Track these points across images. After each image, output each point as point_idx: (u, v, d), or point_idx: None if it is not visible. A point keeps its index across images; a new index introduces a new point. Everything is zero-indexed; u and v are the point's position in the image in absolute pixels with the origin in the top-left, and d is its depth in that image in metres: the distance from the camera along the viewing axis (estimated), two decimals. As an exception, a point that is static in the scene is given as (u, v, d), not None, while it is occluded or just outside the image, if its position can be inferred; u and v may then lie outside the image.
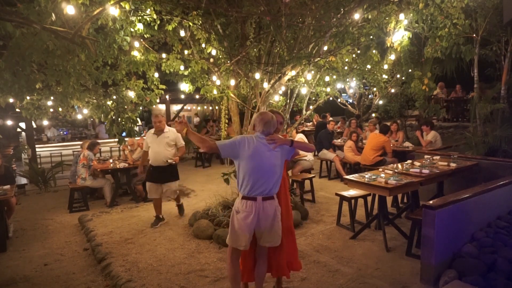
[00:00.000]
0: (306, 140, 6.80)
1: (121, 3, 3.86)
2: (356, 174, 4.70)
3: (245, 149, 2.75)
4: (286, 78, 5.18)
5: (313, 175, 6.37)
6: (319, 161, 8.47)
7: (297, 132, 7.03)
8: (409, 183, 4.19)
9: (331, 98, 9.51)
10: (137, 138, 7.07)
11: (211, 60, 5.19)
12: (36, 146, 9.06)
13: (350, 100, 13.22)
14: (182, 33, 4.90)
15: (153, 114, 5.28)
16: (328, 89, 6.52)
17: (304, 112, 6.42)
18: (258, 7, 4.52)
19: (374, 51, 6.39)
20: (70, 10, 3.45)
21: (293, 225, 3.30)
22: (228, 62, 4.88)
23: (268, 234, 2.83)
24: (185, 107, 14.54)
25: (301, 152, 6.61)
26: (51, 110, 5.57)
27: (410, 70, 9.02)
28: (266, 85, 5.03)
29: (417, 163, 5.07)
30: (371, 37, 5.24)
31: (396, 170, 4.67)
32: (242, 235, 2.80)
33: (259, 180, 2.74)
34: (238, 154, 2.77)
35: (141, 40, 5.08)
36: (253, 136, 2.82)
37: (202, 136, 2.90)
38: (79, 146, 8.19)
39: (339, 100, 11.71)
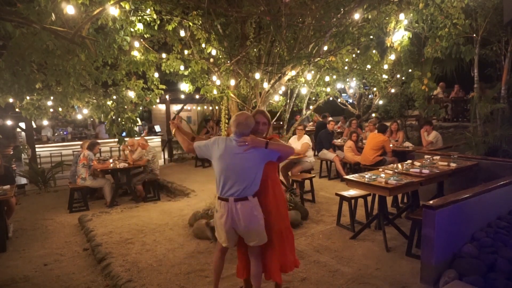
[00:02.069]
0: (310, 143, 6.78)
1: (121, 3, 3.86)
2: (356, 174, 4.69)
3: (216, 150, 2.80)
4: (286, 78, 5.18)
5: (313, 175, 6.37)
6: (319, 161, 8.47)
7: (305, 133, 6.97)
8: (409, 183, 4.19)
9: (331, 98, 9.52)
10: (137, 138, 7.08)
11: (211, 60, 5.19)
12: (36, 146, 9.05)
13: (350, 100, 13.21)
14: (182, 33, 4.90)
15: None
16: (328, 89, 6.53)
17: (304, 112, 6.42)
18: (258, 7, 4.51)
19: (374, 51, 6.40)
20: (70, 10, 3.45)
21: (289, 227, 3.12)
22: (228, 62, 4.88)
23: (247, 234, 2.82)
24: (185, 107, 14.52)
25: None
26: (51, 110, 5.56)
27: (410, 70, 9.03)
28: (266, 85, 5.03)
29: (417, 163, 5.07)
30: (371, 37, 5.24)
31: (396, 170, 4.67)
32: (221, 232, 2.89)
33: (229, 181, 2.75)
34: (211, 155, 2.84)
35: (141, 40, 5.08)
36: (226, 138, 2.84)
37: (185, 137, 3.02)
38: (79, 146, 8.19)
39: (339, 100, 11.71)
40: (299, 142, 6.64)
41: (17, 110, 5.18)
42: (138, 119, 5.05)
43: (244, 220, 2.76)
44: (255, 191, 2.82)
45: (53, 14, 3.52)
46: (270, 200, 2.99)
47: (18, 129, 10.83)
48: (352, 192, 4.96)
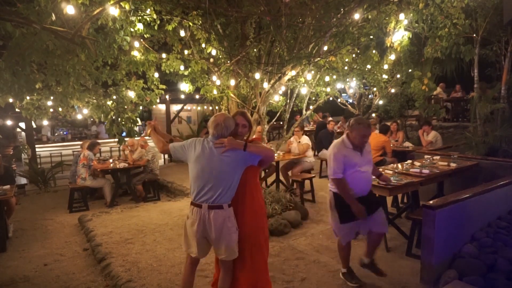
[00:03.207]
0: (310, 143, 6.78)
1: (121, 3, 3.86)
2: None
3: (192, 152, 2.65)
4: (286, 78, 5.18)
5: (313, 175, 6.37)
6: (319, 161, 8.47)
7: (303, 134, 6.99)
8: (409, 183, 4.19)
9: (331, 98, 9.51)
10: (137, 138, 7.08)
11: (211, 60, 5.19)
12: (36, 146, 9.06)
13: (350, 100, 13.20)
14: (182, 33, 4.90)
15: (359, 121, 3.33)
16: (328, 89, 6.53)
17: (304, 112, 6.41)
18: (258, 7, 4.52)
19: (374, 51, 6.40)
20: (70, 10, 3.45)
21: (266, 241, 2.93)
22: (228, 62, 4.88)
23: (217, 246, 2.63)
24: (185, 107, 14.54)
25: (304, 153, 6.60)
26: (51, 110, 5.56)
27: (410, 70, 9.02)
28: (266, 85, 5.03)
29: (417, 163, 5.06)
30: (371, 37, 5.25)
31: (396, 170, 4.67)
32: (191, 241, 2.68)
33: (204, 187, 2.58)
34: (186, 157, 2.69)
35: (141, 40, 5.08)
36: (203, 139, 2.68)
37: (160, 138, 2.90)
38: (79, 146, 8.20)
39: (339, 100, 11.71)
40: (299, 143, 6.65)
41: (17, 110, 5.19)
42: (138, 119, 5.05)
43: (215, 231, 2.57)
44: (230, 198, 2.64)
45: (53, 14, 3.52)
46: (247, 209, 2.78)
47: (18, 129, 10.84)
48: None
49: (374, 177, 3.72)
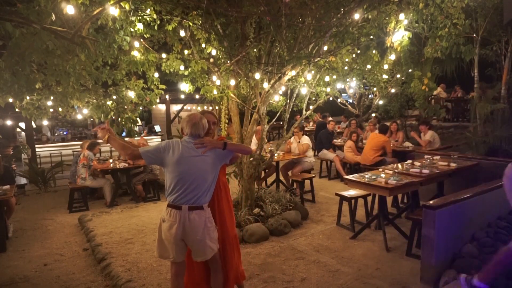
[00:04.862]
0: (310, 143, 6.79)
1: (121, 3, 3.85)
2: (356, 174, 4.70)
3: (170, 155, 2.56)
4: (286, 78, 5.17)
5: (313, 175, 6.37)
6: (319, 161, 8.47)
7: (303, 134, 7.02)
8: (409, 183, 4.19)
9: (331, 98, 9.50)
10: (137, 138, 7.07)
11: (211, 60, 5.19)
12: (36, 146, 9.05)
13: (350, 100, 13.20)
14: (182, 33, 4.90)
15: None
16: (328, 89, 6.51)
17: (304, 112, 6.40)
18: (258, 7, 4.51)
19: (374, 51, 6.39)
20: (70, 10, 3.45)
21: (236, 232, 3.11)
22: (228, 62, 4.87)
23: (196, 247, 2.60)
24: (185, 107, 14.55)
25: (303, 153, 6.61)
26: (51, 110, 5.56)
27: (410, 70, 9.02)
28: (266, 85, 5.02)
29: (417, 163, 5.07)
30: (371, 37, 5.24)
31: (396, 170, 4.67)
32: (169, 246, 2.61)
33: (187, 188, 2.53)
34: (163, 160, 2.59)
35: (141, 40, 5.07)
36: (180, 141, 2.62)
37: (123, 142, 2.72)
38: (79, 146, 8.20)
39: (339, 100, 11.71)
40: (299, 143, 6.66)
41: (17, 110, 5.18)
42: (138, 119, 5.04)
43: (196, 233, 2.53)
44: (209, 198, 2.65)
45: (53, 14, 3.52)
46: (224, 206, 2.90)
47: (18, 129, 10.84)
48: (352, 192, 4.97)
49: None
